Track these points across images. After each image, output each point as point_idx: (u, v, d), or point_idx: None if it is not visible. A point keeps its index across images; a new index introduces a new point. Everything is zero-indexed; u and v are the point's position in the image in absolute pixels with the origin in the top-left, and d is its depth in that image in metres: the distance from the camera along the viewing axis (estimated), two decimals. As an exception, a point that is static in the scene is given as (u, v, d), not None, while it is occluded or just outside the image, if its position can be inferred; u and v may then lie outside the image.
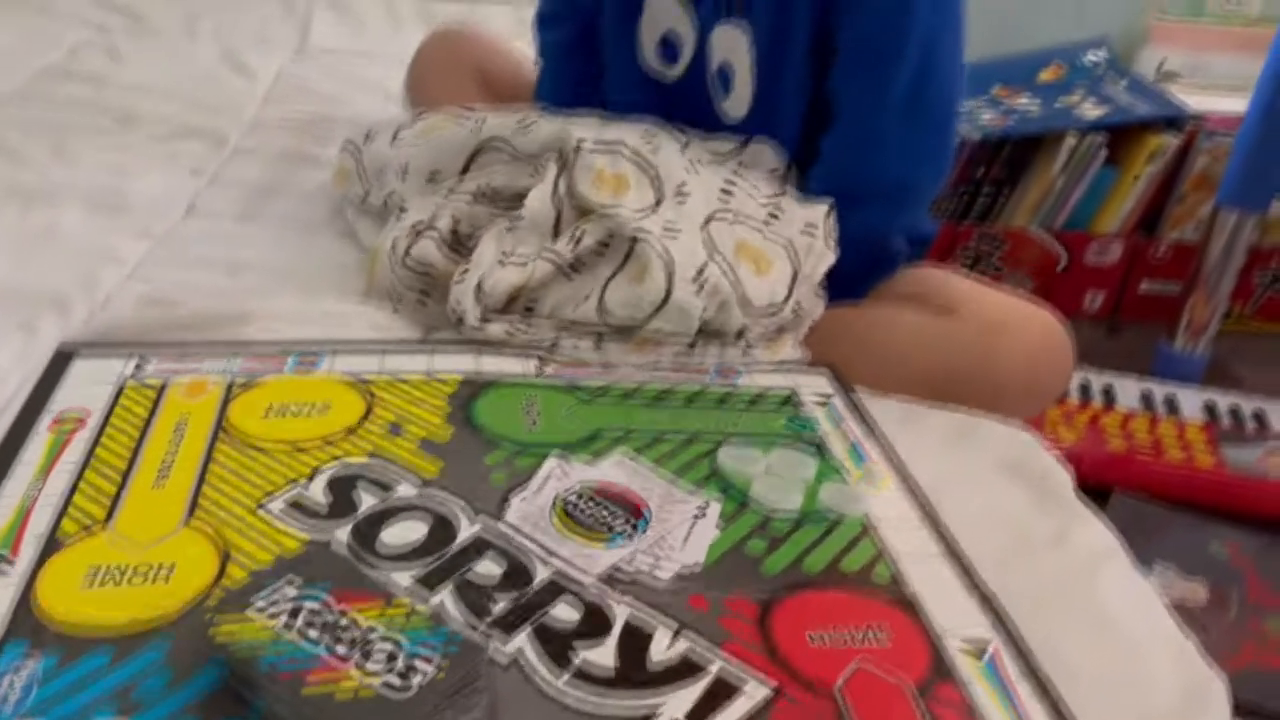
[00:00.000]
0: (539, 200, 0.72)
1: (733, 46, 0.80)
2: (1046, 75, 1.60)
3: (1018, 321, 0.73)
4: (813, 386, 0.69)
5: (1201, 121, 1.45)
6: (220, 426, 0.58)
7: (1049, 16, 1.63)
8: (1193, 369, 1.35)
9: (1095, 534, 0.59)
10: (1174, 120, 1.46)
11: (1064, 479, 0.63)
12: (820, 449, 0.61)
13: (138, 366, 0.63)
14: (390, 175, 0.84)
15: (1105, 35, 1.61)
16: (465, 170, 0.80)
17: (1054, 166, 1.45)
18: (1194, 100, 1.52)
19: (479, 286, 0.70)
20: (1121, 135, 1.46)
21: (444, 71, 0.99)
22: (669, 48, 0.84)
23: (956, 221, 1.51)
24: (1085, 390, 1.32)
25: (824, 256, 0.75)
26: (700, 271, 0.68)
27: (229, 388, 0.61)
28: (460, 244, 0.77)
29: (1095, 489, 0.72)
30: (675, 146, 0.79)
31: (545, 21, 0.92)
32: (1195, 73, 1.59)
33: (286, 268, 0.82)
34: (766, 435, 0.62)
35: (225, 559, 0.49)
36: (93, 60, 1.20)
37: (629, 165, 0.74)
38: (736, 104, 0.82)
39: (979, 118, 1.49)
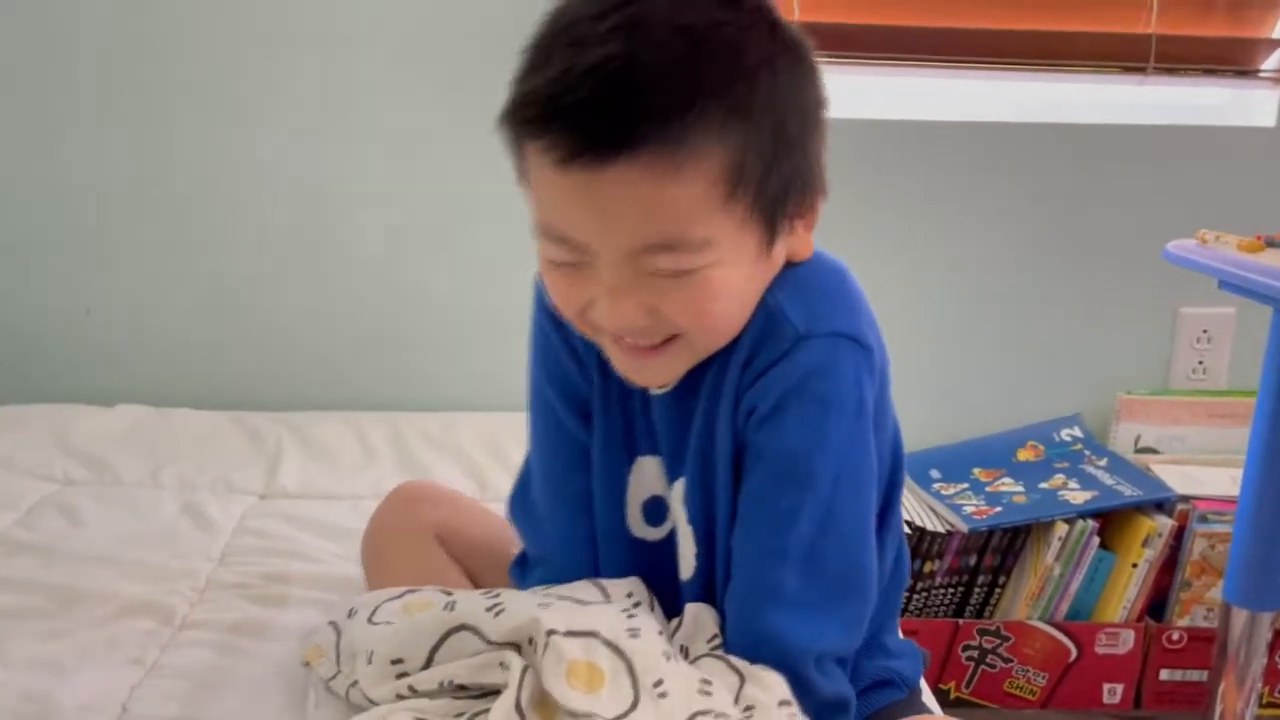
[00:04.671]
0: (502, 716, 0.66)
1: (677, 507, 0.79)
2: (1024, 454, 1.59)
3: None
4: None
5: (1190, 504, 1.42)
6: None
7: (1019, 396, 1.64)
8: (1236, 781, 1.23)
9: None
10: (1161, 503, 1.43)
11: None
12: None
13: None
14: (360, 660, 0.79)
15: (1077, 413, 1.62)
16: (430, 659, 0.75)
17: (1048, 555, 1.40)
18: (1174, 473, 1.50)
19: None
20: (1111, 517, 1.43)
21: (400, 536, 0.96)
22: (655, 510, 0.82)
23: (955, 618, 1.44)
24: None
25: None
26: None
27: None
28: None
29: None
30: (656, 627, 0.74)
31: (552, 477, 0.86)
32: (1171, 446, 1.59)
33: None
34: None
35: None
36: (48, 523, 1.16)
37: (604, 654, 0.69)
38: (684, 565, 0.79)
39: (964, 506, 1.46)
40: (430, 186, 1.52)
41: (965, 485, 1.52)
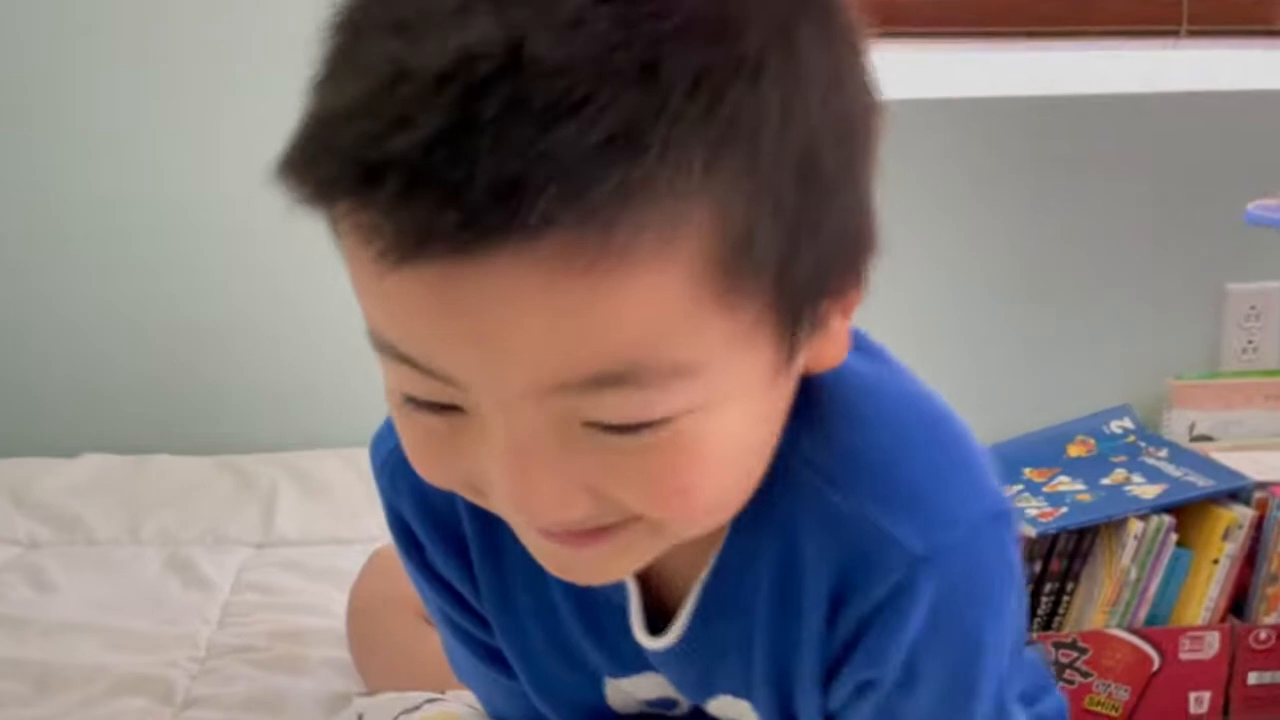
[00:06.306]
0: None
1: (738, 715, 0.60)
2: (1075, 450, 1.49)
3: None
4: None
5: (1269, 491, 1.32)
6: None
7: (1056, 388, 1.55)
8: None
9: None
10: (1236, 492, 1.33)
11: None
12: None
13: None
14: None
15: (1126, 403, 1.53)
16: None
17: (1123, 556, 1.29)
18: (1241, 460, 1.41)
19: None
20: (1182, 512, 1.33)
21: (380, 616, 0.85)
22: (660, 704, 0.63)
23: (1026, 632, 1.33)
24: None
25: None
26: None
27: None
28: None
29: None
30: None
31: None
32: (1226, 432, 1.50)
33: None
34: None
35: None
36: (13, 592, 1.02)
37: None
38: None
39: (1025, 509, 1.35)
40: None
41: (1020, 487, 1.42)
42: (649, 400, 0.39)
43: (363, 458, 1.28)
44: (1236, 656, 1.32)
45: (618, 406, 0.39)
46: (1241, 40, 1.48)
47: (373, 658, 0.86)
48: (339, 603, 0.99)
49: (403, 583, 0.82)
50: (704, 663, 0.56)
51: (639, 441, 0.40)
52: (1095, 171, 1.50)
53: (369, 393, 1.42)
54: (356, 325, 1.46)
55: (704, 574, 0.52)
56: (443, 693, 0.77)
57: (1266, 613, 1.33)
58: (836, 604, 0.50)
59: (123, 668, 0.87)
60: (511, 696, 0.64)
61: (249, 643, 0.92)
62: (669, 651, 0.55)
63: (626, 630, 0.56)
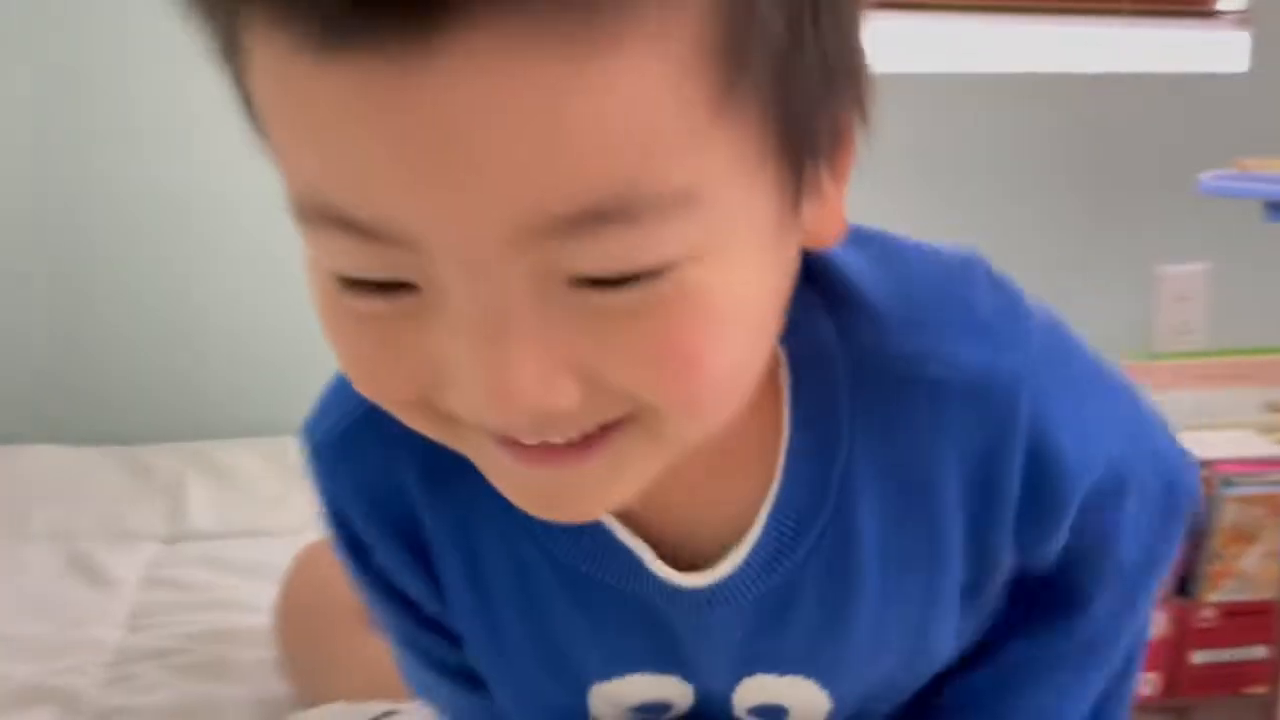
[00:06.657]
0: None
1: (783, 692, 0.53)
2: (1015, 436, 1.48)
3: None
4: None
5: (1211, 469, 1.32)
6: None
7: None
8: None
9: None
10: (1182, 469, 1.33)
11: None
12: None
13: None
14: None
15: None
16: None
17: (1073, 538, 1.27)
18: (1184, 439, 1.41)
19: None
20: (1128, 492, 1.32)
21: (314, 618, 0.77)
22: (650, 709, 0.56)
23: (979, 616, 1.30)
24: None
25: None
26: None
27: None
28: None
29: None
30: None
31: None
32: (1162, 412, 1.50)
33: None
34: None
35: None
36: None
37: None
38: None
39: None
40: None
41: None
42: (645, 240, 0.32)
43: (273, 446, 1.18)
44: (1183, 636, 1.31)
45: (609, 250, 0.32)
46: (1178, 21, 1.49)
47: (308, 663, 0.77)
48: (266, 596, 0.89)
49: (341, 579, 0.73)
50: (758, 616, 0.48)
51: (635, 298, 0.33)
52: (1026, 153, 1.49)
53: (271, 381, 1.31)
54: (267, 306, 1.30)
55: (770, 494, 0.45)
56: (397, 703, 0.69)
57: (1210, 590, 1.33)
58: (962, 502, 0.45)
59: (20, 677, 0.76)
60: (477, 714, 0.55)
61: (166, 645, 0.81)
62: (714, 595, 0.47)
63: (633, 611, 0.49)
